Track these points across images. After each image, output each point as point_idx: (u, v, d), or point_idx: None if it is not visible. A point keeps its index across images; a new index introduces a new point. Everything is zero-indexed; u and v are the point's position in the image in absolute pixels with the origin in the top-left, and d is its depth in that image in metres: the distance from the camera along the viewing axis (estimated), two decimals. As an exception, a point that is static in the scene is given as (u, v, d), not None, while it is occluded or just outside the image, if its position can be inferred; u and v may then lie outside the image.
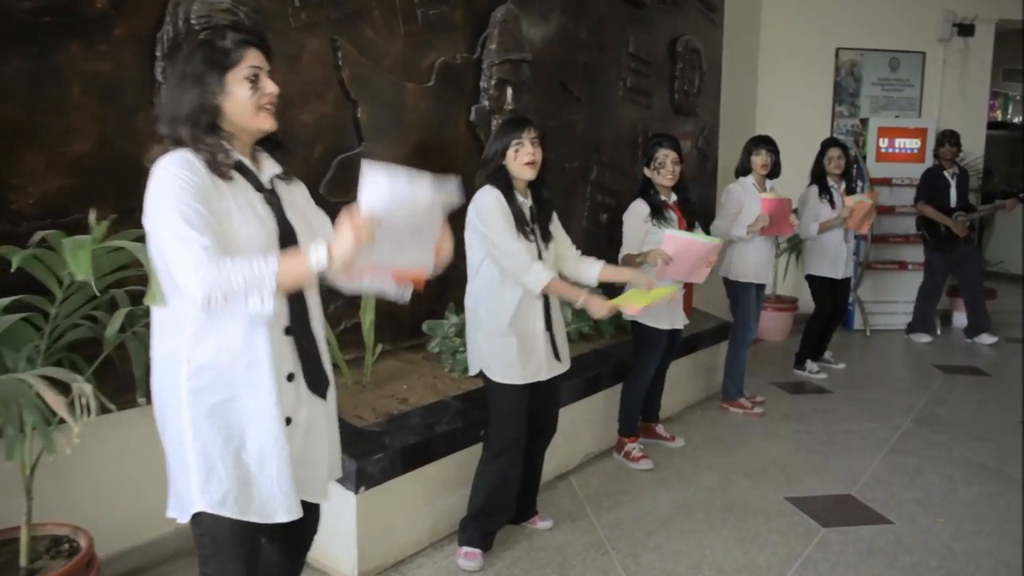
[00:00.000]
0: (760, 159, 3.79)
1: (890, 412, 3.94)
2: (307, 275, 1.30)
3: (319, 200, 2.59)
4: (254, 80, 1.37)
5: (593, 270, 2.40)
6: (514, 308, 2.22)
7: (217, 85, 1.36)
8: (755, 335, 3.91)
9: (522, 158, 2.18)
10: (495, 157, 2.22)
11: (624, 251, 3.07)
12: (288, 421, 1.41)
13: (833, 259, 4.46)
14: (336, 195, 2.65)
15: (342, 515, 2.13)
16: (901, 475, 3.10)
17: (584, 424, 3.15)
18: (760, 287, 3.91)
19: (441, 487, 2.42)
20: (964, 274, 5.54)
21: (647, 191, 3.09)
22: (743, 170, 3.88)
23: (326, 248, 1.26)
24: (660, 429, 3.45)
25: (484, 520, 2.32)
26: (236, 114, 1.37)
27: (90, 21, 2.01)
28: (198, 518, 1.37)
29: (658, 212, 3.05)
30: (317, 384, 1.45)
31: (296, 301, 1.42)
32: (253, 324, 1.34)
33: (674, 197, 3.15)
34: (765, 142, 3.84)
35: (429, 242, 1.40)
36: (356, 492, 2.11)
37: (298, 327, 1.42)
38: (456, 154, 3.09)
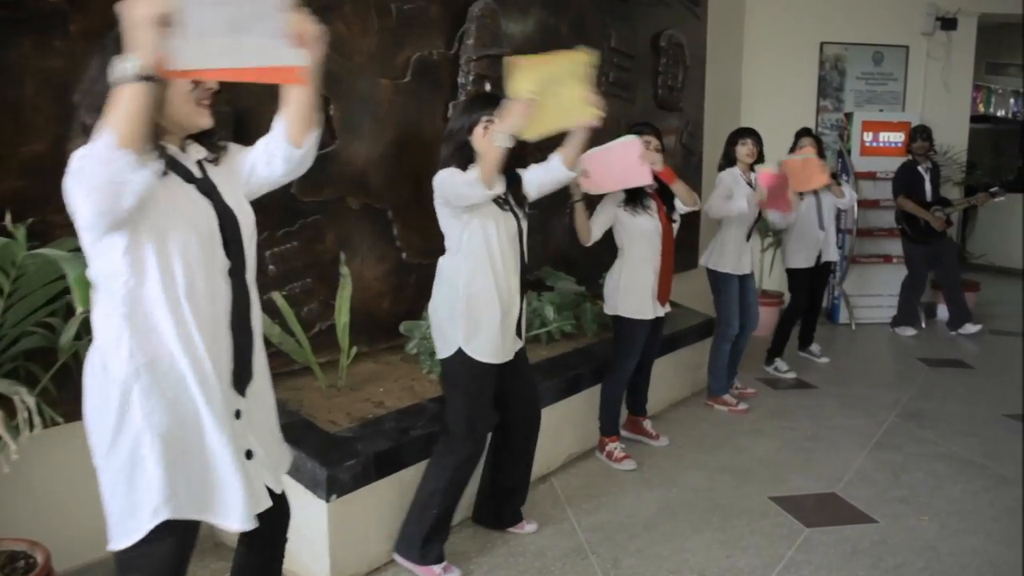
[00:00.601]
0: (746, 149, 3.74)
1: (875, 407, 3.89)
2: (124, 91, 1.07)
3: (291, 199, 2.55)
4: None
5: (554, 162, 2.25)
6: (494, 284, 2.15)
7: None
8: (736, 329, 3.83)
9: (491, 136, 2.10)
10: (460, 132, 2.12)
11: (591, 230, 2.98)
12: (238, 414, 1.35)
13: (810, 249, 4.43)
14: (309, 194, 2.57)
15: (313, 524, 2.06)
16: (886, 472, 3.06)
17: (566, 424, 3.09)
18: (745, 279, 3.84)
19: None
20: (942, 267, 5.53)
21: None
22: (728, 161, 3.81)
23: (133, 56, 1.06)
24: (647, 425, 3.39)
25: (440, 499, 2.20)
26: (174, 110, 1.29)
27: (43, 16, 1.91)
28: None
29: (635, 199, 2.98)
30: (239, 381, 1.37)
31: (238, 293, 1.35)
32: (186, 320, 1.26)
33: (655, 185, 3.08)
34: (751, 133, 3.79)
35: (276, 25, 1.19)
36: (327, 500, 2.03)
37: (238, 323, 1.35)
38: (434, 151, 2.94)
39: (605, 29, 4.15)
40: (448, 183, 2.06)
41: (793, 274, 4.52)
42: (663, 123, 4.88)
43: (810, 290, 4.56)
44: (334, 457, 2.09)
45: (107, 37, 1.23)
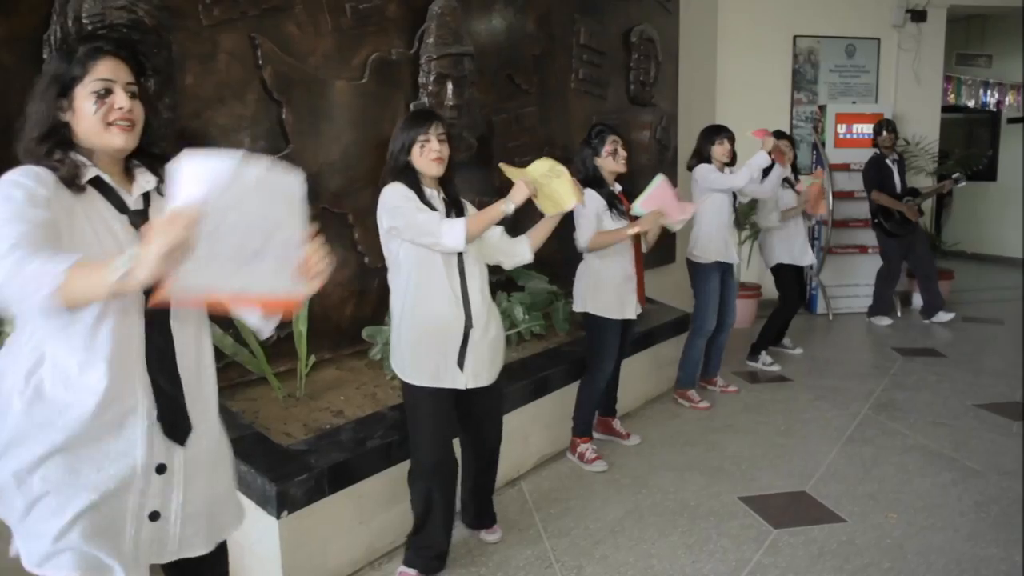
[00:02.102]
0: (723, 148, 3.63)
1: (849, 399, 3.83)
2: (103, 284, 0.97)
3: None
4: (103, 94, 1.19)
5: (523, 245, 2.25)
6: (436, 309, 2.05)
7: (64, 100, 1.20)
8: (713, 325, 3.75)
9: (428, 154, 2.00)
10: (400, 153, 2.03)
11: (587, 235, 2.86)
12: (161, 469, 1.22)
13: (801, 247, 4.36)
14: (261, 201, 2.45)
15: (265, 541, 1.96)
16: (856, 467, 2.99)
17: (536, 426, 3.00)
18: (728, 274, 3.76)
19: (378, 503, 2.24)
20: (915, 256, 5.49)
21: (601, 183, 2.91)
22: (701, 160, 3.71)
23: (128, 256, 0.96)
24: (617, 424, 3.31)
25: (420, 542, 2.15)
26: (83, 132, 1.19)
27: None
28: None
29: (611, 203, 2.89)
30: (175, 430, 1.24)
31: (158, 333, 1.22)
32: (93, 353, 1.14)
33: (619, 187, 2.99)
34: (726, 131, 3.68)
35: (289, 256, 1.08)
36: (278, 517, 1.93)
37: (157, 363, 1.22)
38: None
39: (573, 25, 4.04)
40: (406, 216, 1.97)
41: (779, 271, 4.42)
42: (636, 119, 4.79)
43: (799, 290, 4.49)
44: (285, 472, 1.98)
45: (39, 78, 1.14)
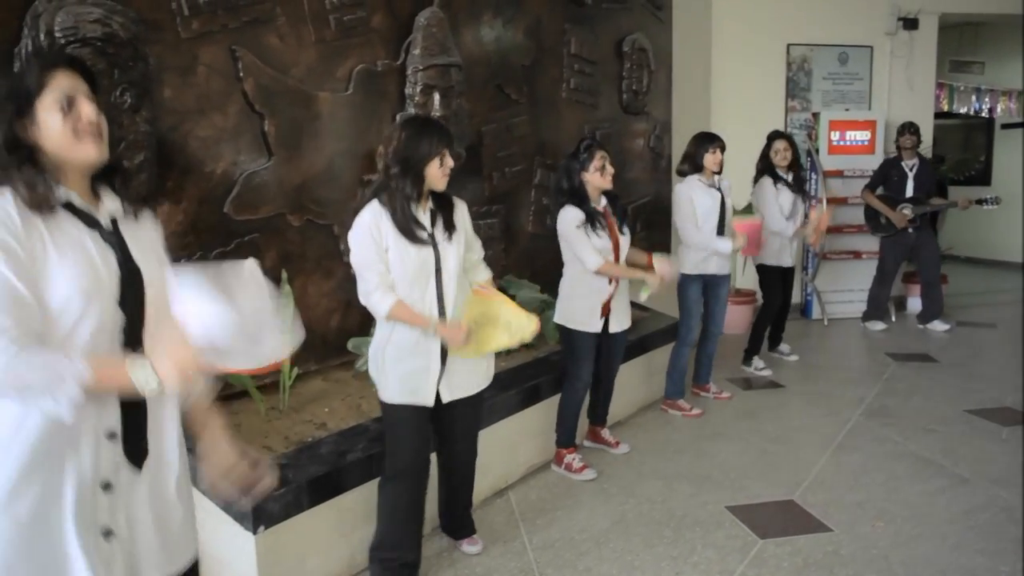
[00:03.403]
0: (715, 157, 3.57)
1: (841, 405, 3.76)
2: (128, 390, 1.08)
3: (224, 218, 2.38)
4: (67, 106, 1.13)
5: (481, 278, 2.19)
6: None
7: (26, 117, 1.13)
8: (695, 335, 3.69)
9: (444, 170, 1.96)
10: (416, 162, 1.92)
11: (590, 258, 2.80)
12: (107, 486, 1.17)
13: (778, 249, 4.30)
14: (244, 213, 2.41)
15: (241, 557, 1.91)
16: (845, 475, 2.92)
17: (524, 436, 2.94)
18: (716, 284, 3.69)
19: (359, 516, 2.19)
20: (921, 260, 5.40)
21: (584, 199, 2.85)
22: (693, 167, 3.64)
23: (151, 370, 1.07)
24: (606, 434, 3.24)
25: (385, 554, 2.08)
26: (52, 146, 1.13)
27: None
28: None
29: (592, 220, 2.83)
30: (134, 453, 1.18)
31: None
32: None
33: (603, 202, 2.92)
34: (719, 141, 3.62)
35: (275, 322, 1.16)
36: (255, 532, 1.88)
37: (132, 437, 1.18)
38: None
39: (564, 35, 3.99)
40: (360, 261, 1.97)
41: (763, 271, 4.37)
42: (629, 127, 4.74)
43: (782, 291, 4.42)
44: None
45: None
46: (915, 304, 5.81)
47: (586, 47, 4.16)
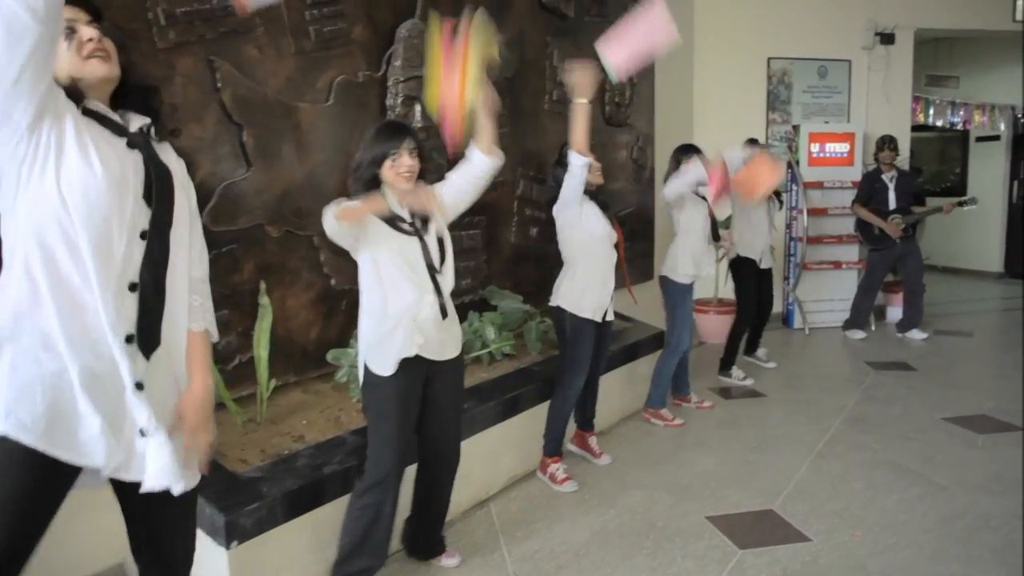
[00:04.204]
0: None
1: (821, 414, 3.76)
2: None
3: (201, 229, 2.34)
4: (69, 34, 1.22)
5: (473, 155, 2.11)
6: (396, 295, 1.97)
7: None
8: (688, 344, 3.69)
9: (398, 168, 1.94)
10: (369, 165, 1.95)
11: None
12: (139, 386, 1.23)
13: (750, 241, 4.28)
14: (222, 224, 2.38)
15: (214, 573, 1.86)
16: (825, 483, 2.91)
17: (506, 447, 2.91)
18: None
19: (335, 530, 2.13)
20: (907, 269, 5.44)
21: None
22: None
23: None
24: (592, 442, 3.21)
25: (352, 567, 2.03)
26: (67, 69, 1.22)
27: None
28: None
29: (596, 202, 2.85)
30: (146, 343, 1.25)
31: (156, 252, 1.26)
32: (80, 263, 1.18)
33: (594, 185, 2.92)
34: (695, 149, 3.63)
35: None
36: (227, 547, 1.84)
37: (151, 279, 1.26)
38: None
39: (547, 48, 4.00)
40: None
41: (739, 267, 4.33)
42: (612, 139, 4.76)
43: (757, 299, 4.43)
44: (236, 500, 1.89)
45: None
46: (894, 313, 5.86)
47: (569, 59, 4.16)
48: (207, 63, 2.28)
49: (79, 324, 1.17)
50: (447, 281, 2.06)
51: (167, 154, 1.34)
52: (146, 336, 1.23)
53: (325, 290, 2.74)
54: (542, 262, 3.79)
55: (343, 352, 2.66)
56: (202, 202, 2.32)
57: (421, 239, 2.00)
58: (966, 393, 4.04)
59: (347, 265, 2.77)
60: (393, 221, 1.96)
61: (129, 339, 1.21)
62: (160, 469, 1.23)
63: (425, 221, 2.03)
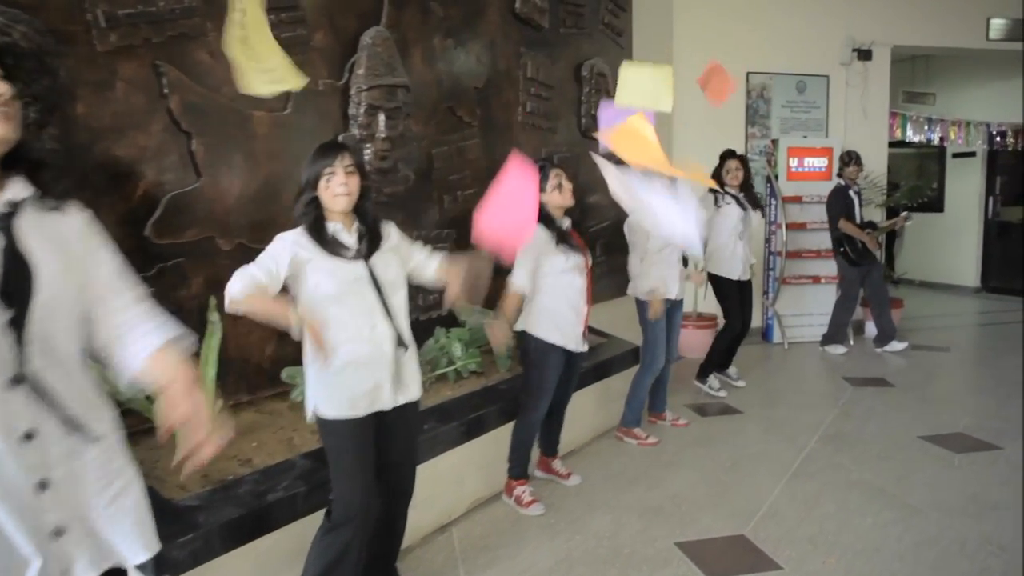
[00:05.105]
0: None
1: (797, 431, 3.68)
2: None
3: (144, 242, 2.22)
4: None
5: (432, 266, 2.06)
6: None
7: None
8: (663, 363, 3.59)
9: (333, 188, 1.83)
10: (307, 188, 1.86)
11: (515, 283, 2.68)
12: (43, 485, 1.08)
13: (729, 259, 4.21)
14: (166, 236, 2.26)
15: (143, 611, 1.73)
16: (798, 506, 2.82)
17: (470, 469, 2.79)
18: (673, 308, 3.60)
19: (281, 561, 2.01)
20: (870, 285, 5.41)
21: (548, 220, 2.74)
22: None
23: None
24: (557, 465, 3.11)
25: None
26: None
27: None
28: None
29: (561, 238, 2.73)
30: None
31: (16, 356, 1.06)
32: None
33: (567, 222, 2.83)
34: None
35: None
36: (157, 583, 1.70)
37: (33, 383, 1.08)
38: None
39: (520, 58, 3.93)
40: (259, 257, 1.83)
41: (718, 283, 4.26)
42: (589, 151, 4.68)
43: (740, 307, 4.34)
44: (169, 531, 1.75)
45: None
46: (873, 328, 5.82)
47: (543, 71, 4.10)
48: (153, 68, 2.17)
49: None
50: (397, 316, 1.92)
51: (57, 227, 1.15)
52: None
53: (281, 305, 2.62)
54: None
55: (299, 370, 2.53)
56: (146, 214, 2.21)
57: (366, 263, 1.88)
58: (943, 409, 3.98)
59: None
60: (333, 247, 1.84)
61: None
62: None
63: (374, 242, 1.91)
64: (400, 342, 1.91)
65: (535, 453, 3.06)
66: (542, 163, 2.82)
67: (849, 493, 2.92)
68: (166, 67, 2.19)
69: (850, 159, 5.36)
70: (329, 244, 1.83)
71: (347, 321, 1.84)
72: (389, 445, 1.95)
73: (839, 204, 5.36)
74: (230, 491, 1.98)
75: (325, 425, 1.89)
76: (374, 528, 2.01)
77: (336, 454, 1.90)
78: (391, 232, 2.00)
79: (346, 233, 1.88)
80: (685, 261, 3.59)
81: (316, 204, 1.86)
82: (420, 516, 2.52)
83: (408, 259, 2.03)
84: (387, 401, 1.90)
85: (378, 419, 1.91)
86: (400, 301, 1.95)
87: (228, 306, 1.73)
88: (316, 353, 1.80)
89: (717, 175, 4.26)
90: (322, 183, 1.84)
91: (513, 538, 2.58)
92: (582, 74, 4.51)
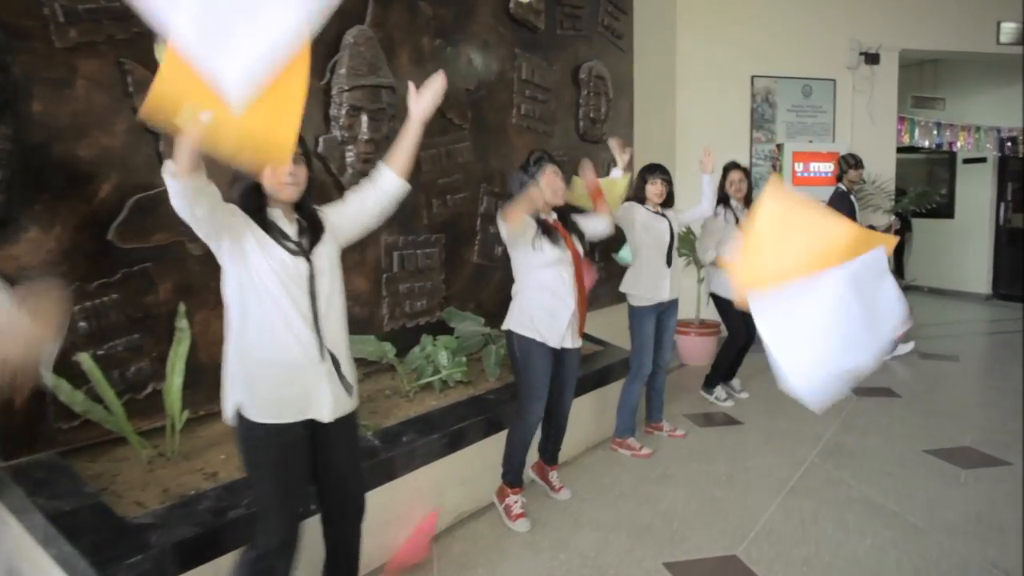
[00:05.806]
0: (656, 188, 3.41)
1: (797, 444, 3.53)
2: None
3: (107, 246, 2.12)
4: None
5: (384, 174, 1.88)
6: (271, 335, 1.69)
7: None
8: (649, 370, 3.46)
9: (280, 177, 1.69)
10: (247, 176, 1.71)
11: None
12: None
13: (729, 279, 4.08)
14: (131, 240, 2.16)
15: (88, 636, 1.62)
16: (794, 524, 2.67)
17: (451, 481, 2.67)
18: (665, 312, 3.47)
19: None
20: None
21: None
22: (637, 198, 3.48)
23: None
24: (552, 476, 2.98)
25: None
26: None
27: None
28: None
29: (546, 231, 2.61)
30: None
31: None
32: None
33: (554, 215, 2.72)
34: (660, 170, 3.45)
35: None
36: (102, 608, 1.60)
37: None
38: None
39: (514, 61, 3.82)
40: None
41: (717, 301, 4.17)
42: (587, 155, 4.55)
43: (745, 322, 4.21)
44: (118, 551, 1.65)
45: None
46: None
47: (538, 73, 3.99)
48: (117, 65, 2.08)
49: None
50: (332, 317, 1.76)
51: None
52: None
53: (256, 312, 2.51)
54: (507, 282, 3.57)
55: (271, 379, 2.43)
56: (109, 217, 2.11)
57: (308, 260, 1.73)
58: (950, 422, 3.82)
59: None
60: (276, 234, 1.70)
61: None
62: None
63: (315, 235, 1.77)
64: (331, 352, 1.74)
65: (534, 454, 2.93)
66: (538, 155, 2.71)
67: (848, 511, 2.77)
68: (131, 65, 2.10)
69: (854, 162, 5.20)
70: (272, 231, 1.69)
71: (272, 321, 1.69)
72: (329, 459, 1.80)
73: (842, 210, 5.19)
74: (189, 508, 1.87)
75: (241, 429, 1.70)
76: (327, 555, 1.88)
77: (255, 468, 1.71)
78: (328, 216, 1.84)
79: (288, 224, 1.74)
80: (670, 261, 3.46)
81: (259, 193, 1.71)
82: (396, 534, 2.40)
83: (344, 219, 1.85)
84: (322, 412, 1.73)
85: (313, 431, 1.76)
86: (338, 301, 1.78)
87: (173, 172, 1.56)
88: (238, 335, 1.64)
89: (720, 188, 4.12)
90: (267, 170, 1.69)
91: (494, 555, 2.46)
92: (580, 76, 4.39)
